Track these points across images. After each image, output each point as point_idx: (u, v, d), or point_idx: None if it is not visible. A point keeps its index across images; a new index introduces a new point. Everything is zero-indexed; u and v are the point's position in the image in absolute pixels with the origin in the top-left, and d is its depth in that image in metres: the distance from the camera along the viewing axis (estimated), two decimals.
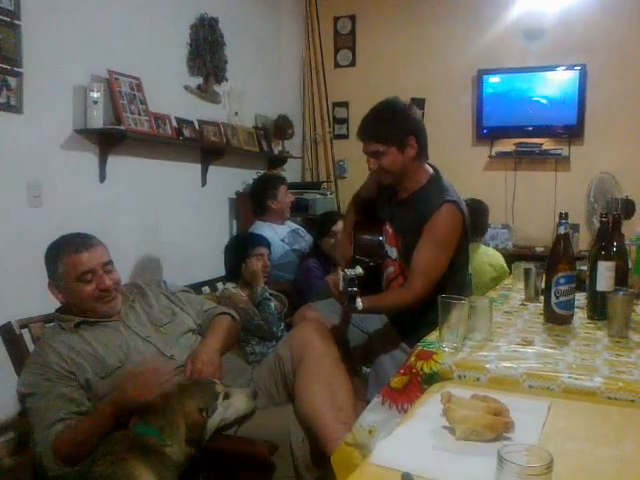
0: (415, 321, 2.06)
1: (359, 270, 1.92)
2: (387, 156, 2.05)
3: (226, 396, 1.69)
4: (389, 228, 2.22)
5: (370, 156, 2.09)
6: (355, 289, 1.85)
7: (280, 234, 3.51)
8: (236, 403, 1.70)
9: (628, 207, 3.77)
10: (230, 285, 2.69)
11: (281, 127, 4.57)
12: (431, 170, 2.18)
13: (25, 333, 1.87)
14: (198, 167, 3.90)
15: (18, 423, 2.55)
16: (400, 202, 2.18)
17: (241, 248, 2.78)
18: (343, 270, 1.92)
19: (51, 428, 1.58)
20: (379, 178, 2.16)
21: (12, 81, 2.56)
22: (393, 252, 2.20)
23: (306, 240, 3.61)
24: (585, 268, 2.01)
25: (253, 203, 3.69)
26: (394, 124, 2.06)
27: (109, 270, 1.84)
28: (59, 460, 1.56)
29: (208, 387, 1.69)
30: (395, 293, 2.14)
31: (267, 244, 2.87)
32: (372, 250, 2.27)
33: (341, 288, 1.91)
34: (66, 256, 1.78)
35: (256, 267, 2.65)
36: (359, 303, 1.87)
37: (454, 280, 2.08)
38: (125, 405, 1.59)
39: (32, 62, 2.65)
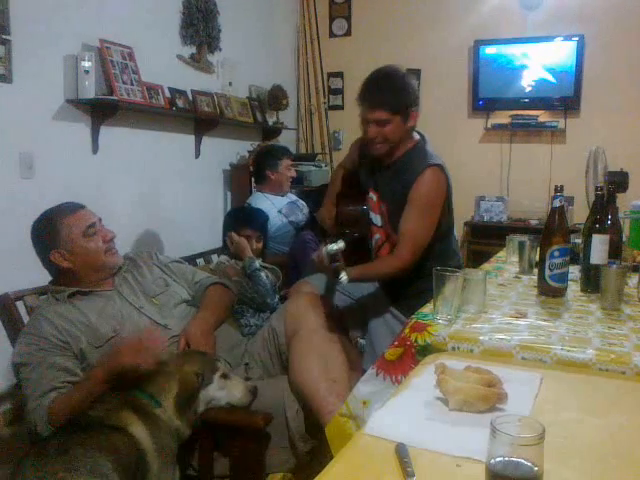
0: (404, 287, 2.11)
1: (341, 244, 1.93)
2: (391, 125, 2.03)
3: (224, 376, 1.67)
4: (373, 195, 2.22)
5: (374, 124, 2.04)
6: (338, 263, 1.87)
7: (277, 205, 3.50)
8: (233, 389, 1.67)
9: (622, 180, 3.77)
10: (224, 258, 2.69)
11: (276, 97, 4.52)
12: (417, 136, 2.18)
13: (19, 305, 1.87)
14: (192, 138, 3.87)
15: (15, 394, 2.57)
16: (384, 168, 2.17)
17: (230, 224, 2.78)
18: (326, 247, 1.92)
19: (44, 396, 1.59)
20: (373, 148, 2.11)
21: (0, 49, 2.52)
22: (378, 219, 2.21)
23: (304, 212, 3.59)
24: (579, 241, 2.01)
25: (254, 171, 3.68)
26: (403, 93, 2.04)
27: (103, 225, 1.89)
28: (53, 427, 1.56)
29: (209, 359, 1.69)
30: (384, 261, 2.15)
31: (257, 227, 2.82)
32: (356, 220, 2.28)
33: (326, 263, 1.92)
34: (65, 218, 1.80)
35: (236, 241, 2.65)
36: (343, 277, 1.89)
37: (441, 245, 2.12)
38: (118, 370, 1.57)
39: (21, 30, 2.60)
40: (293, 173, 3.68)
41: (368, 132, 2.06)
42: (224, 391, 1.65)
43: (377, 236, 2.23)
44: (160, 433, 1.50)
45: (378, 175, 2.20)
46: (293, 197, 3.73)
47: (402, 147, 2.13)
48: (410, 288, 2.09)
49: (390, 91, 2.02)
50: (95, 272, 1.85)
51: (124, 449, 1.41)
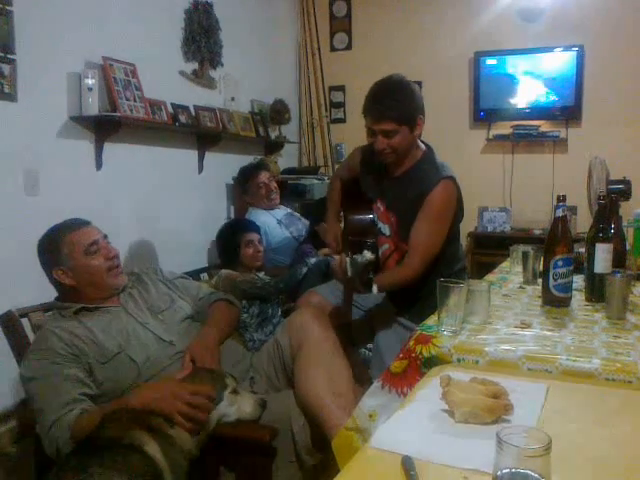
0: (411, 293, 2.11)
1: (369, 255, 1.89)
2: (399, 135, 2.03)
3: (234, 392, 1.66)
4: (380, 205, 2.22)
5: (381, 135, 2.04)
6: (371, 275, 1.83)
7: (276, 216, 3.51)
8: (243, 405, 1.66)
9: (626, 188, 3.76)
10: (225, 272, 2.71)
11: (278, 112, 4.55)
12: (423, 146, 2.19)
13: (24, 322, 1.87)
14: (195, 153, 3.88)
15: (20, 411, 2.56)
16: (394, 179, 2.18)
17: (232, 237, 2.80)
18: (351, 256, 1.87)
19: (66, 409, 1.56)
20: (382, 157, 2.12)
21: (5, 68, 2.54)
22: (386, 229, 2.21)
23: (302, 223, 3.59)
24: (583, 250, 2.01)
25: None
26: (409, 103, 2.05)
27: (108, 242, 1.89)
28: (74, 443, 1.53)
29: (219, 376, 1.68)
30: (396, 272, 2.14)
31: (256, 228, 2.89)
32: (365, 229, 2.27)
33: (350, 274, 1.86)
34: (68, 235, 1.80)
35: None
36: (375, 288, 1.86)
37: (449, 249, 2.14)
38: (155, 411, 1.54)
39: (25, 49, 2.63)
40: (269, 187, 3.57)
41: (376, 144, 2.07)
42: (234, 407, 1.64)
43: (385, 246, 2.23)
44: (173, 453, 1.49)
45: (386, 185, 2.20)
46: (288, 209, 3.72)
47: (411, 158, 2.14)
48: (417, 293, 2.09)
49: (396, 102, 2.03)
50: (99, 290, 1.85)
51: (141, 469, 1.40)
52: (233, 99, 4.21)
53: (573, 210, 4.23)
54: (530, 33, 4.58)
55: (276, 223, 3.46)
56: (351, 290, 2.10)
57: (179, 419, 1.52)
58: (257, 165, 3.81)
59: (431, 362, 1.37)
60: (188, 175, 3.83)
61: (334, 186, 2.47)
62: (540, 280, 1.85)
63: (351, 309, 2.31)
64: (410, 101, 2.05)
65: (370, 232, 2.26)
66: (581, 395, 1.17)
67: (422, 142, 2.20)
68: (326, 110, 5.18)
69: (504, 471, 0.74)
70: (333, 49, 5.27)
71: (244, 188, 3.61)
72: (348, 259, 1.87)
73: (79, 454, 1.44)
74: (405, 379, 1.39)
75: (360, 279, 1.85)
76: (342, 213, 2.42)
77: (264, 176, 3.58)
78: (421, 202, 2.04)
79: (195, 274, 2.91)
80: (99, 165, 3.08)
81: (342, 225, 2.42)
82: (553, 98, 4.59)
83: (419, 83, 4.89)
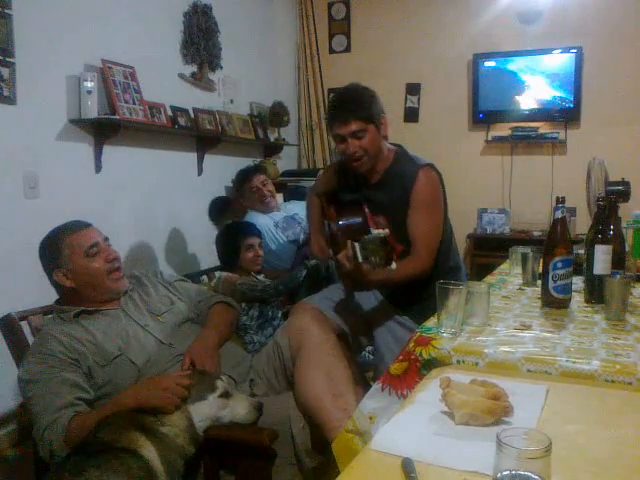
0: (412, 292, 2.10)
1: (383, 231, 1.84)
2: (368, 134, 2.06)
3: (226, 395, 1.65)
4: (367, 212, 2.23)
5: (351, 137, 2.06)
6: (390, 248, 1.78)
7: (274, 218, 3.50)
8: (236, 407, 1.65)
9: (625, 189, 3.76)
10: (225, 274, 2.71)
11: (277, 114, 4.55)
12: (393, 147, 2.22)
13: (24, 325, 1.87)
14: (194, 156, 3.89)
15: (19, 414, 2.56)
16: (374, 185, 2.19)
17: (232, 240, 2.79)
18: (361, 239, 1.78)
19: (60, 412, 1.56)
20: (356, 165, 2.12)
21: (5, 72, 2.55)
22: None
23: (302, 226, 3.57)
24: (582, 252, 2.01)
25: None
26: (370, 103, 2.09)
27: (109, 244, 1.89)
28: (67, 445, 1.54)
29: (208, 378, 1.67)
30: (405, 266, 2.07)
31: (257, 232, 2.88)
32: (358, 230, 2.25)
33: (361, 259, 1.77)
34: (68, 237, 1.80)
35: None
36: (394, 264, 1.82)
37: (444, 245, 2.15)
38: (148, 408, 1.55)
39: (24, 52, 2.63)
40: (261, 192, 3.55)
41: (348, 148, 2.08)
42: (225, 410, 1.63)
43: None
44: (168, 453, 1.49)
45: (367, 192, 2.20)
46: (292, 210, 3.67)
47: (384, 160, 2.16)
48: (419, 291, 2.08)
49: (359, 103, 2.07)
50: (99, 293, 1.84)
51: (137, 472, 1.40)
52: (232, 101, 4.22)
53: (572, 211, 4.22)
54: (529, 35, 4.59)
55: (273, 226, 3.45)
56: (357, 280, 2.01)
57: (171, 409, 1.54)
58: (251, 169, 3.80)
59: (431, 364, 1.37)
60: (187, 177, 3.83)
61: (311, 202, 2.44)
62: (539, 282, 1.85)
63: (350, 311, 2.29)
64: (371, 101, 2.09)
65: (363, 233, 2.24)
66: (581, 396, 1.17)
67: (392, 144, 2.23)
68: (325, 112, 5.18)
69: (504, 473, 0.74)
70: (332, 51, 5.27)
71: (240, 192, 3.63)
72: (357, 243, 1.79)
73: (75, 457, 1.44)
74: (405, 381, 1.39)
75: (376, 259, 1.77)
76: (328, 222, 2.38)
77: (257, 180, 3.57)
78: (407, 198, 2.06)
79: (194, 276, 2.90)
80: (98, 168, 3.08)
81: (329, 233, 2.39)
82: (552, 99, 4.60)
83: (418, 85, 4.92)
